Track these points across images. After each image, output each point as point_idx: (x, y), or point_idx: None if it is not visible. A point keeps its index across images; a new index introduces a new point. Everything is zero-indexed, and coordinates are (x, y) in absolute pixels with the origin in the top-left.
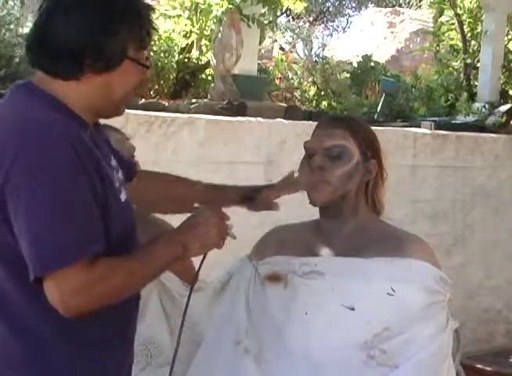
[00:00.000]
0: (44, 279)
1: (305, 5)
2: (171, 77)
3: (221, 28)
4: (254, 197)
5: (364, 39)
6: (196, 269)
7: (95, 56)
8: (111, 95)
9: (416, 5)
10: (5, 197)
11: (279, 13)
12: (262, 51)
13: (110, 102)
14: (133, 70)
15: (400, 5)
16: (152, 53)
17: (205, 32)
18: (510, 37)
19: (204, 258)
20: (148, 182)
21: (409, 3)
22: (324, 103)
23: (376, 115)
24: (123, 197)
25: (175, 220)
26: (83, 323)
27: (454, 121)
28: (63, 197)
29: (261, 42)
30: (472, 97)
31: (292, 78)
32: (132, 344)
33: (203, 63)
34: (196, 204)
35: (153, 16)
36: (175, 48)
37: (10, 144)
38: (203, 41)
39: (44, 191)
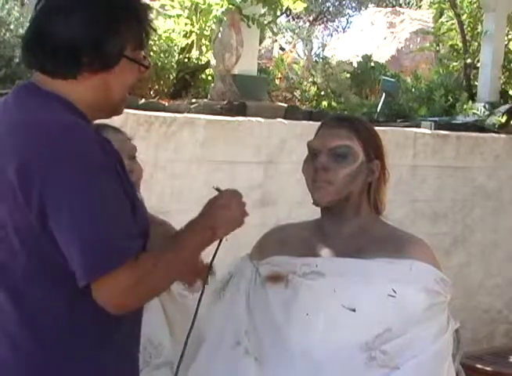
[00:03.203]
0: (93, 282)
1: (305, 5)
2: (171, 77)
3: (221, 28)
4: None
5: (364, 39)
6: (210, 261)
7: (93, 56)
8: (109, 95)
9: (416, 5)
10: (45, 204)
11: (279, 13)
12: (262, 51)
13: (108, 101)
14: (130, 70)
15: (400, 5)
16: (152, 53)
17: (205, 32)
18: (510, 37)
19: (217, 249)
20: None
21: (409, 3)
22: (324, 103)
23: (376, 115)
24: (139, 194)
25: (175, 221)
26: (105, 326)
27: (454, 121)
28: (102, 198)
29: (261, 42)
30: (472, 97)
31: (292, 78)
32: (139, 342)
33: (203, 63)
34: (215, 186)
35: (151, 16)
36: (175, 48)
37: (38, 150)
38: (203, 41)
39: (83, 194)
